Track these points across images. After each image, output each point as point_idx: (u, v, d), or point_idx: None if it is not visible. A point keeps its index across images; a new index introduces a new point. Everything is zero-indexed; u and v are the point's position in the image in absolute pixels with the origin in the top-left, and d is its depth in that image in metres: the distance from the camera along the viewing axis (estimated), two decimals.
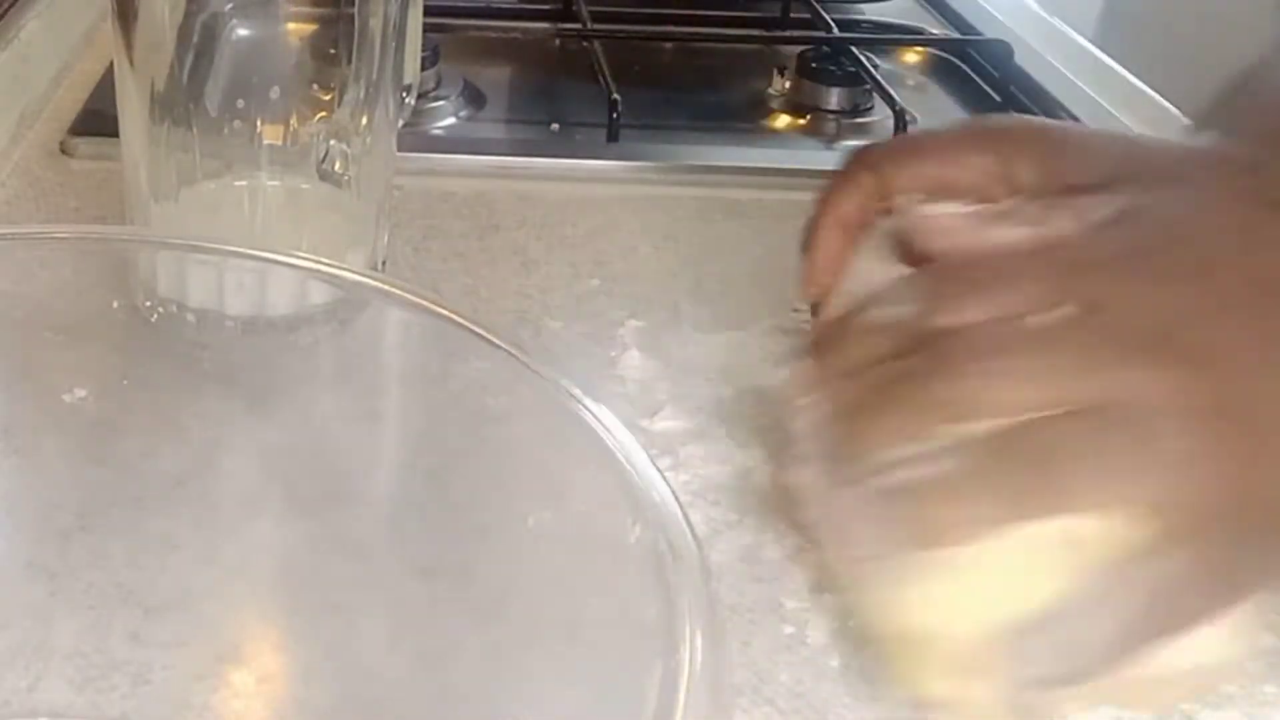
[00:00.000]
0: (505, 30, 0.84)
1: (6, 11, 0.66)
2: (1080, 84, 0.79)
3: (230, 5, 0.46)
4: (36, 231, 0.43)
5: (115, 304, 0.46)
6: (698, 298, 0.56)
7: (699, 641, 0.27)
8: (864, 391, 0.36)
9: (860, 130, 0.77)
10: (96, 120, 0.65)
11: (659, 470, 0.31)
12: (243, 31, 0.46)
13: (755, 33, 0.88)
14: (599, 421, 0.32)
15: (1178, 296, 0.36)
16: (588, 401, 0.33)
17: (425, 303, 0.36)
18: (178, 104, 0.46)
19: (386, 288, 0.37)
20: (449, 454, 0.39)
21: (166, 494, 0.41)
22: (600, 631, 0.32)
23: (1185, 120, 0.76)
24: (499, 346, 0.35)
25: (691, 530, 0.29)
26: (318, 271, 0.39)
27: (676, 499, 0.30)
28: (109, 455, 0.42)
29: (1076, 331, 0.35)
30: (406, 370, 0.41)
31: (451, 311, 0.36)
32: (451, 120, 0.74)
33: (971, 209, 0.41)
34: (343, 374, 0.44)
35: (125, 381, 0.44)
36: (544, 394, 0.34)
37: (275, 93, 0.47)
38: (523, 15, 0.86)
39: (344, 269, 0.39)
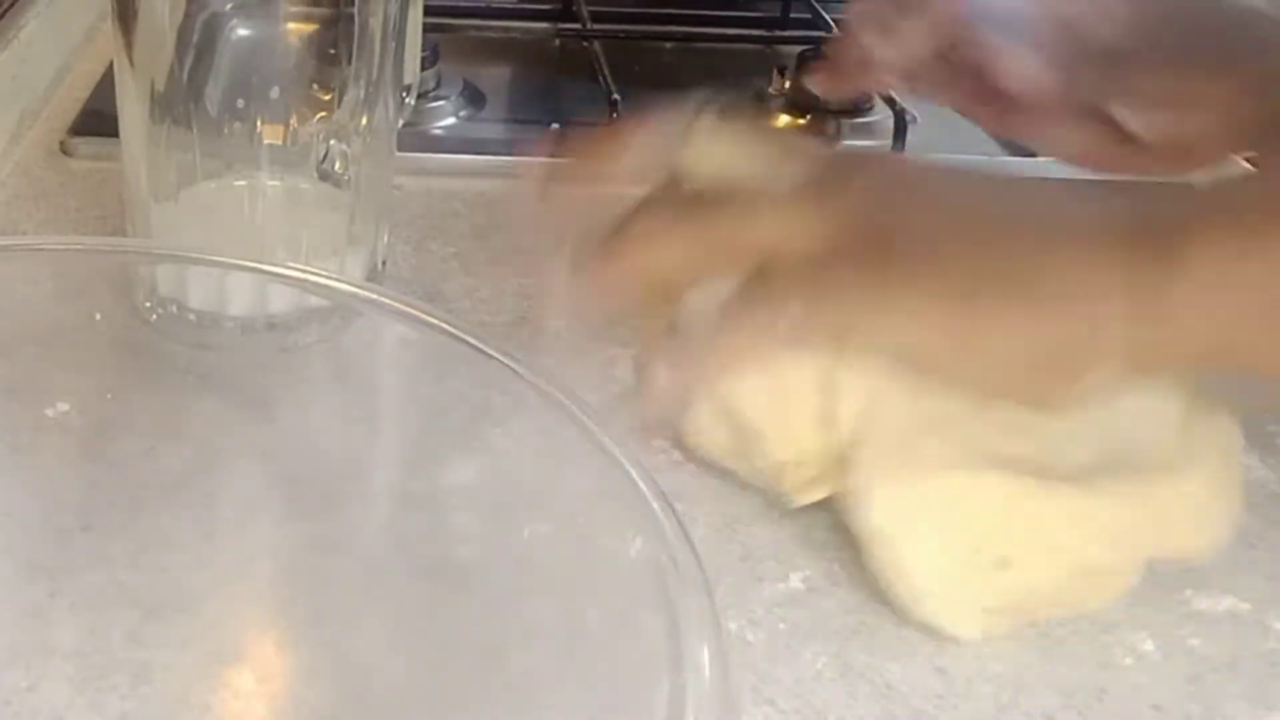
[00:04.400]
0: (505, 30, 0.84)
1: (6, 11, 0.66)
2: None
3: (230, 5, 0.46)
4: (36, 243, 0.43)
5: (115, 306, 0.46)
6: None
7: (705, 658, 0.27)
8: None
9: (860, 130, 0.77)
10: (96, 120, 0.65)
11: (657, 483, 0.31)
12: (243, 31, 0.46)
13: (755, 33, 0.88)
14: (596, 434, 0.32)
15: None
16: (584, 413, 0.33)
17: (424, 315, 0.36)
18: (178, 104, 0.46)
19: (384, 300, 0.37)
20: (445, 459, 0.39)
21: (166, 495, 0.41)
22: (602, 640, 0.32)
23: None
24: (493, 357, 0.35)
25: (692, 543, 0.29)
26: (313, 283, 0.39)
27: (676, 511, 0.30)
28: (109, 456, 0.42)
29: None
30: (404, 376, 0.41)
31: (447, 323, 0.36)
32: (451, 120, 0.74)
33: None
34: (341, 377, 0.45)
35: (125, 383, 0.44)
36: (540, 406, 0.34)
37: (275, 93, 0.47)
38: (523, 15, 0.86)
39: (341, 280, 0.39)
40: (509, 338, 0.51)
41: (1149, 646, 0.40)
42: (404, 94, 0.52)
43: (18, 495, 0.41)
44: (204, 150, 0.47)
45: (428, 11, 0.54)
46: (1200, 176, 0.47)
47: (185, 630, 0.38)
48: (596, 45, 0.76)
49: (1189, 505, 0.41)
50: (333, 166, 0.48)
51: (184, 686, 0.36)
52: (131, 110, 0.47)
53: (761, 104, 0.80)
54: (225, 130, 0.47)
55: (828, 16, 0.85)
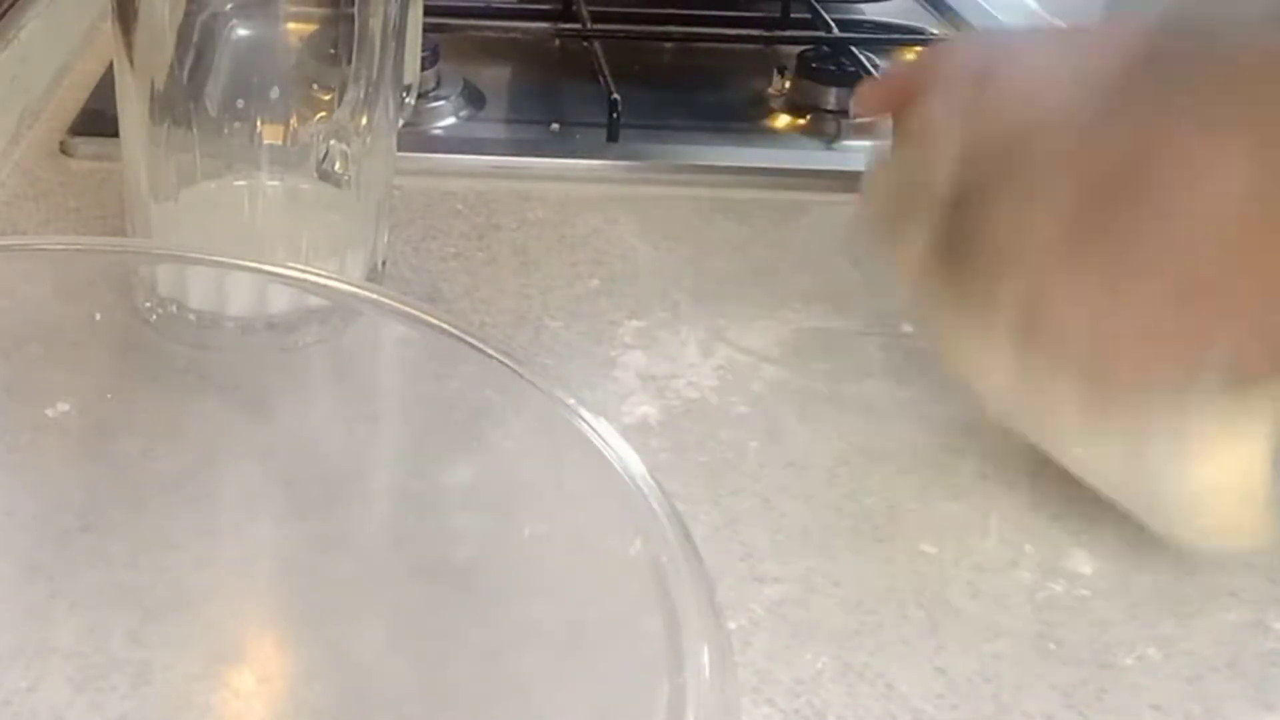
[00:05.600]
0: (505, 30, 0.84)
1: (6, 11, 0.66)
2: None
3: (230, 5, 0.46)
4: (36, 243, 0.43)
5: (115, 306, 0.46)
6: (698, 298, 0.56)
7: (705, 658, 0.27)
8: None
9: (860, 130, 0.77)
10: (96, 120, 0.65)
11: (658, 482, 0.31)
12: (243, 31, 0.46)
13: (755, 33, 0.88)
14: (596, 433, 0.32)
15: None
16: (584, 412, 0.33)
17: (424, 315, 0.36)
18: (178, 104, 0.46)
19: (384, 300, 0.37)
20: (445, 459, 0.39)
21: (166, 494, 0.41)
22: (602, 641, 0.32)
23: None
24: (493, 357, 0.35)
25: (693, 543, 0.29)
26: (312, 283, 0.39)
27: (676, 511, 0.30)
28: (109, 456, 0.42)
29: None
30: (404, 375, 0.41)
31: (447, 323, 0.36)
32: (451, 120, 0.74)
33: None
34: (341, 377, 0.45)
35: (125, 383, 0.44)
36: (540, 406, 0.34)
37: (275, 93, 0.47)
38: (523, 15, 0.86)
39: (341, 280, 0.39)
40: (509, 338, 0.52)
41: (1149, 647, 0.40)
42: (404, 94, 0.52)
43: (18, 495, 0.41)
44: (204, 150, 0.47)
45: (428, 11, 0.54)
46: None
47: (185, 630, 0.38)
48: (596, 45, 0.76)
49: None
50: (333, 166, 0.48)
51: (184, 686, 0.36)
52: (131, 110, 0.47)
53: (761, 104, 0.80)
54: (225, 130, 0.47)
55: (828, 16, 0.85)
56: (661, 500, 0.30)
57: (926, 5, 0.93)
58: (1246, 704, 0.38)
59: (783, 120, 0.79)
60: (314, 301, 0.44)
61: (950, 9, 0.91)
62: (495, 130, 0.76)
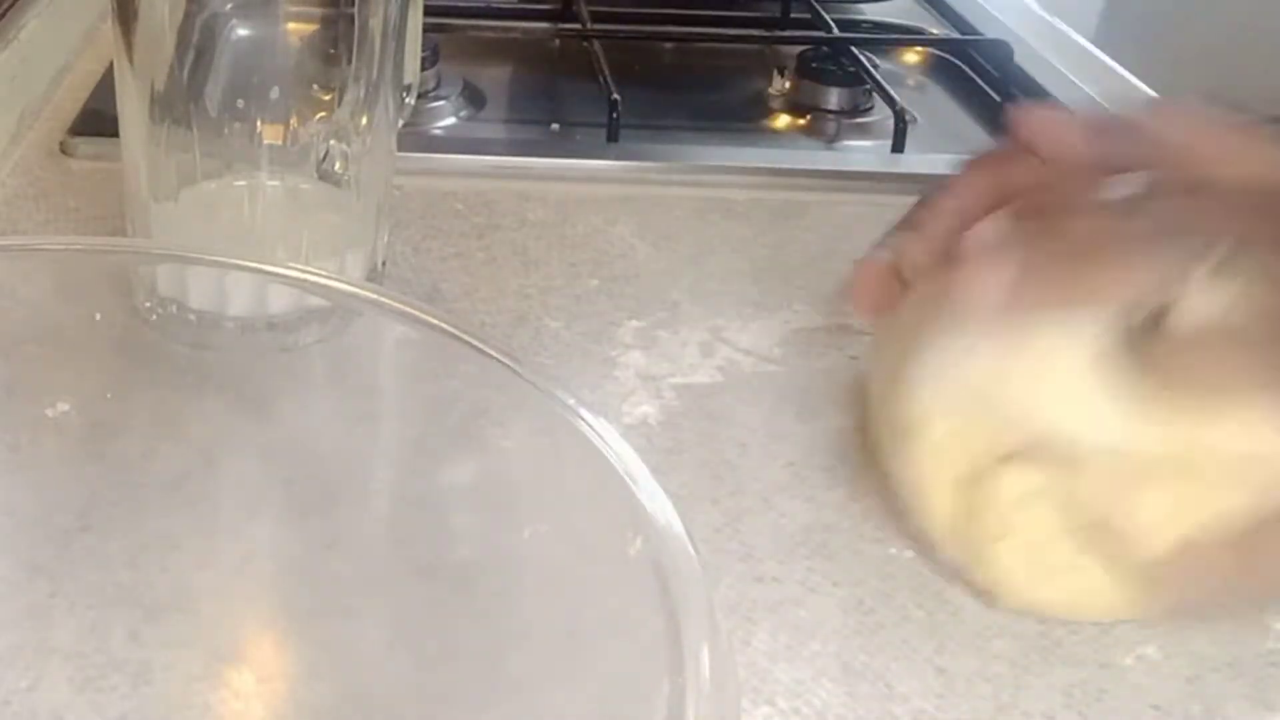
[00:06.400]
0: (505, 30, 0.84)
1: (6, 11, 0.66)
2: (1080, 84, 0.79)
3: (230, 5, 0.46)
4: (36, 243, 0.43)
5: (115, 306, 0.46)
6: (697, 297, 0.56)
7: (705, 657, 0.27)
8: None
9: (860, 130, 0.77)
10: (96, 120, 0.65)
11: (658, 482, 0.31)
12: (243, 31, 0.46)
13: (755, 33, 0.88)
14: (596, 433, 0.32)
15: None
16: (584, 412, 0.33)
17: (424, 315, 0.36)
18: (178, 104, 0.46)
19: (384, 300, 0.37)
20: (446, 459, 0.39)
21: (166, 494, 0.41)
22: (602, 641, 0.32)
23: None
24: (493, 357, 0.35)
25: (693, 543, 0.29)
26: (313, 283, 0.39)
27: (676, 511, 0.30)
28: (109, 456, 0.42)
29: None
30: (404, 375, 0.41)
31: (447, 323, 0.36)
32: (451, 120, 0.74)
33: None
34: (341, 377, 0.44)
35: (125, 383, 0.44)
36: (540, 406, 0.34)
37: (275, 93, 0.47)
38: (523, 15, 0.86)
39: (341, 280, 0.39)
40: (509, 338, 0.52)
41: (1149, 647, 0.40)
42: (404, 94, 0.52)
43: (18, 495, 0.41)
44: (204, 150, 0.47)
45: (428, 11, 0.54)
46: None
47: (185, 630, 0.38)
48: (596, 45, 0.76)
49: None
50: (333, 166, 0.48)
51: (184, 686, 0.36)
52: (131, 110, 0.47)
53: (761, 104, 0.80)
54: (225, 130, 0.47)
55: (828, 16, 0.85)
56: (661, 500, 0.30)
57: (926, 5, 0.93)
58: (1246, 704, 0.38)
59: (783, 120, 0.79)
60: (314, 301, 0.44)
61: (950, 9, 0.91)
62: (495, 130, 0.76)
